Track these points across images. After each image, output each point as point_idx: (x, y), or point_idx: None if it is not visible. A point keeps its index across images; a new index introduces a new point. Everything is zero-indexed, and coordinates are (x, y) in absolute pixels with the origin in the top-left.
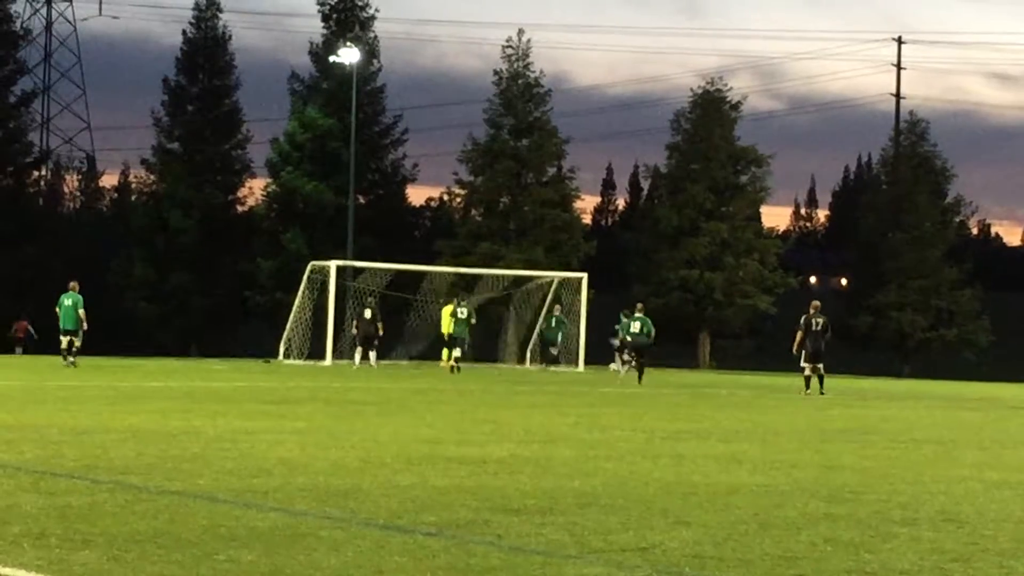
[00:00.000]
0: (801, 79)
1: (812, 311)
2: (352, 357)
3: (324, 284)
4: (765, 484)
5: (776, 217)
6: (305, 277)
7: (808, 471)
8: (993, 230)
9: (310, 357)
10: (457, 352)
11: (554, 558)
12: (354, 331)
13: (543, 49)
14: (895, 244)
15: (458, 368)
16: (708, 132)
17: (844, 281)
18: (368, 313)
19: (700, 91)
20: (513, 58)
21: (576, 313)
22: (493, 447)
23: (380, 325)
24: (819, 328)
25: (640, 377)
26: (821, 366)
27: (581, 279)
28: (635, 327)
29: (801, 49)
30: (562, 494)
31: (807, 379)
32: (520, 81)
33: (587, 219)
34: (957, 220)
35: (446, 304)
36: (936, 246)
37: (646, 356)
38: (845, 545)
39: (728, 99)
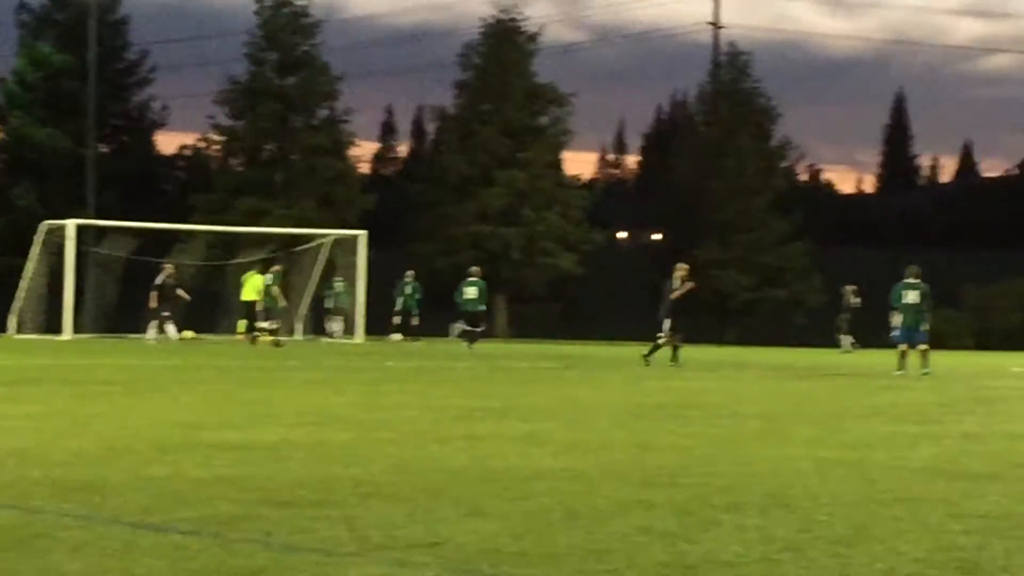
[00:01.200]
0: (607, 6)
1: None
2: (149, 331)
3: (61, 247)
4: (571, 468)
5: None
6: (38, 239)
7: (619, 453)
8: (824, 177)
9: (47, 331)
10: (275, 324)
11: (331, 556)
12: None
13: None
14: (715, 194)
15: (279, 343)
16: (501, 68)
17: (658, 236)
18: (164, 276)
19: (492, 20)
20: None
21: (354, 276)
22: (259, 431)
23: (181, 291)
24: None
25: (472, 344)
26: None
27: (358, 237)
28: (471, 292)
29: None
30: (339, 483)
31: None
32: (285, 10)
33: (365, 168)
34: (784, 166)
35: (250, 271)
36: (761, 195)
37: (481, 324)
38: (661, 535)
39: (524, 29)
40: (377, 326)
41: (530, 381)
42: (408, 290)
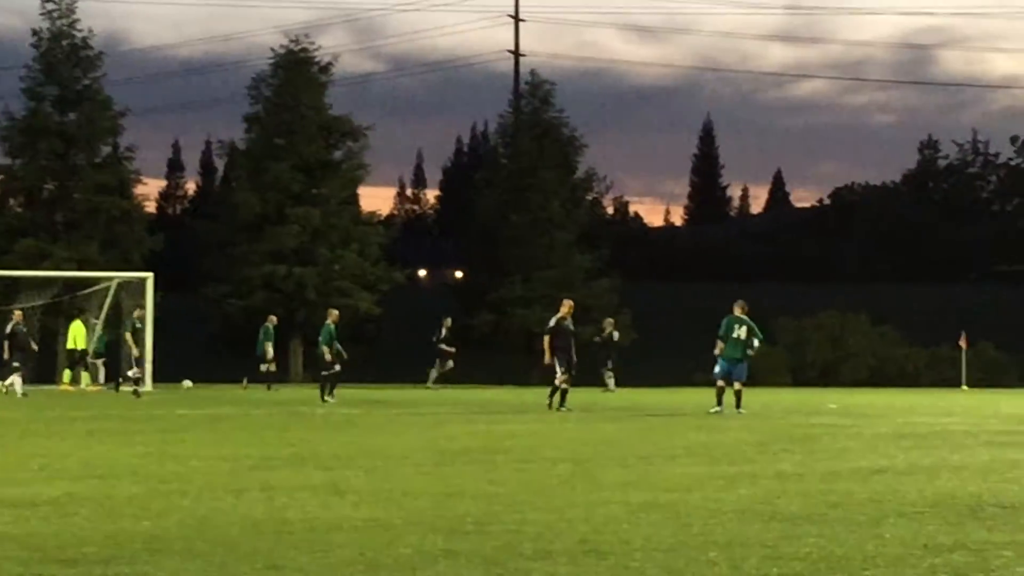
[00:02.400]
0: (404, 35)
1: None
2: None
3: None
4: (373, 518)
5: (378, 200)
6: None
7: (424, 501)
8: (632, 209)
9: None
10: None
11: None
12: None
13: (95, 4)
14: (518, 228)
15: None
16: (294, 100)
17: (459, 274)
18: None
19: (283, 51)
20: (56, 15)
21: (142, 320)
22: (43, 486)
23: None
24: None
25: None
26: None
27: (146, 279)
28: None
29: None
30: (128, 538)
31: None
32: (65, 42)
33: (151, 207)
34: (590, 198)
35: (77, 318)
36: (566, 229)
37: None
38: None
39: (317, 60)
40: (167, 372)
41: (329, 427)
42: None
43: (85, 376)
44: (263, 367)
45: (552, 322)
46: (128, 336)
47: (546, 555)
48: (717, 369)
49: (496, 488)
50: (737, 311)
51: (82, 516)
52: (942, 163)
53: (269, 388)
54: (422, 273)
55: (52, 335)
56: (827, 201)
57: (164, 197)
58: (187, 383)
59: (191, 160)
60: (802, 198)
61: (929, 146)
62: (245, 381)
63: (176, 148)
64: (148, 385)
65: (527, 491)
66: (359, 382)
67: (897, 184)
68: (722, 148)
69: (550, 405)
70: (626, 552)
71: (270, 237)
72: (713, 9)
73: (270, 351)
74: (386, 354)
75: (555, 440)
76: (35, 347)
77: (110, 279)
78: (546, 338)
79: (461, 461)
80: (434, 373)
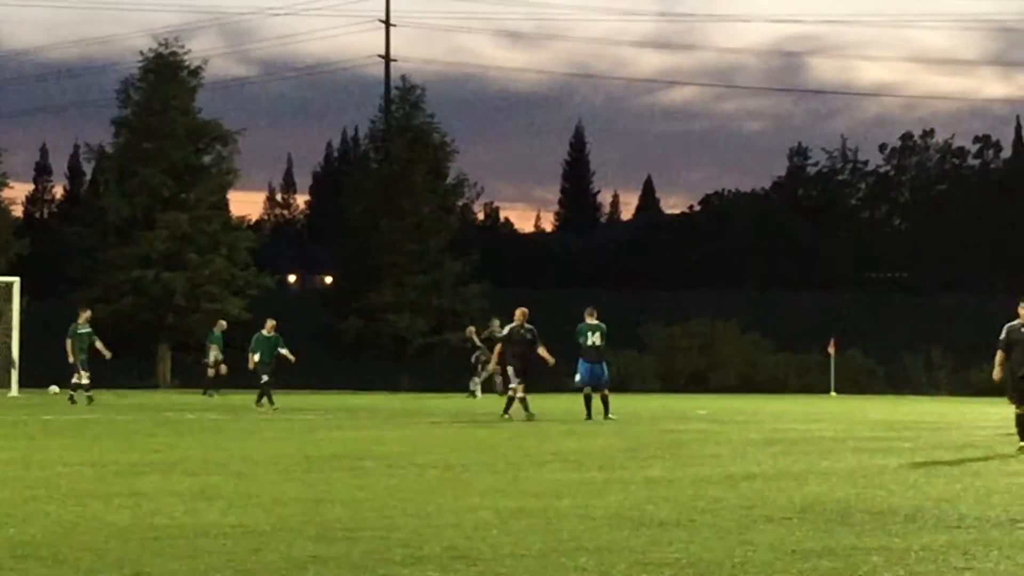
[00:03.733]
0: (275, 39)
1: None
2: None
3: None
4: (241, 524)
5: (247, 205)
6: None
7: (292, 507)
8: (503, 215)
9: None
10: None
11: None
12: None
13: None
14: (388, 234)
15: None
16: (163, 104)
17: (329, 279)
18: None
19: (152, 55)
20: None
21: (7, 325)
22: None
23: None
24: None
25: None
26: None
27: (12, 284)
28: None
29: (272, 4)
30: None
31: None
32: None
33: (18, 211)
34: (460, 204)
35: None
36: (437, 235)
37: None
38: None
39: (187, 64)
40: (35, 378)
41: (196, 432)
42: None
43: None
44: (210, 371)
45: (505, 330)
46: (68, 342)
47: (415, 561)
48: (578, 377)
49: (365, 494)
50: (588, 318)
51: None
52: (812, 170)
53: (205, 393)
54: (292, 278)
55: None
56: (697, 207)
57: (31, 201)
58: (53, 388)
59: (59, 164)
60: (673, 205)
61: (799, 153)
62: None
63: (44, 152)
64: (14, 390)
65: (396, 497)
66: (226, 387)
67: (767, 191)
68: (593, 154)
69: (505, 412)
70: (496, 558)
71: (139, 242)
72: (586, 16)
73: (215, 355)
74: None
75: (425, 446)
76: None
77: None
78: (498, 346)
79: (330, 467)
80: (477, 381)
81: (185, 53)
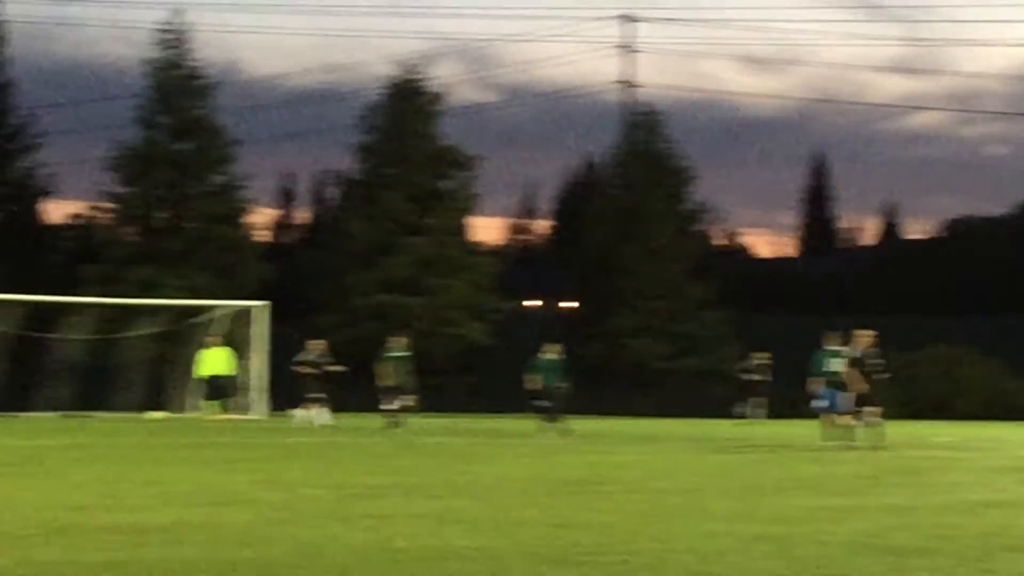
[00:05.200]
0: (517, 65)
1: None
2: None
3: None
4: (483, 547)
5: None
6: None
7: (534, 530)
8: (742, 240)
9: None
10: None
11: None
12: None
13: (209, 33)
14: (628, 259)
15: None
16: (405, 130)
17: (570, 304)
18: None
19: (395, 81)
20: (169, 44)
21: (256, 348)
22: (154, 513)
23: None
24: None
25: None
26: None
27: (258, 309)
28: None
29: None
30: (238, 566)
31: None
32: (178, 72)
33: (263, 236)
34: (700, 230)
35: (210, 345)
36: (677, 261)
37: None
38: None
39: (428, 90)
40: (278, 401)
41: (438, 456)
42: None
43: (210, 404)
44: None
45: (858, 353)
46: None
47: None
48: (822, 402)
49: (606, 518)
50: (829, 344)
51: (191, 544)
52: None
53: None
54: (532, 303)
55: (164, 363)
56: (940, 234)
57: (276, 226)
58: (297, 412)
59: (303, 189)
60: (915, 231)
61: None
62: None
63: (288, 178)
64: (262, 413)
65: (637, 521)
66: (468, 411)
67: (1012, 216)
68: (834, 180)
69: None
70: None
71: (380, 267)
72: (827, 41)
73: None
74: (495, 384)
75: (664, 471)
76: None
77: (222, 308)
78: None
79: (571, 491)
80: (748, 410)
81: (427, 79)
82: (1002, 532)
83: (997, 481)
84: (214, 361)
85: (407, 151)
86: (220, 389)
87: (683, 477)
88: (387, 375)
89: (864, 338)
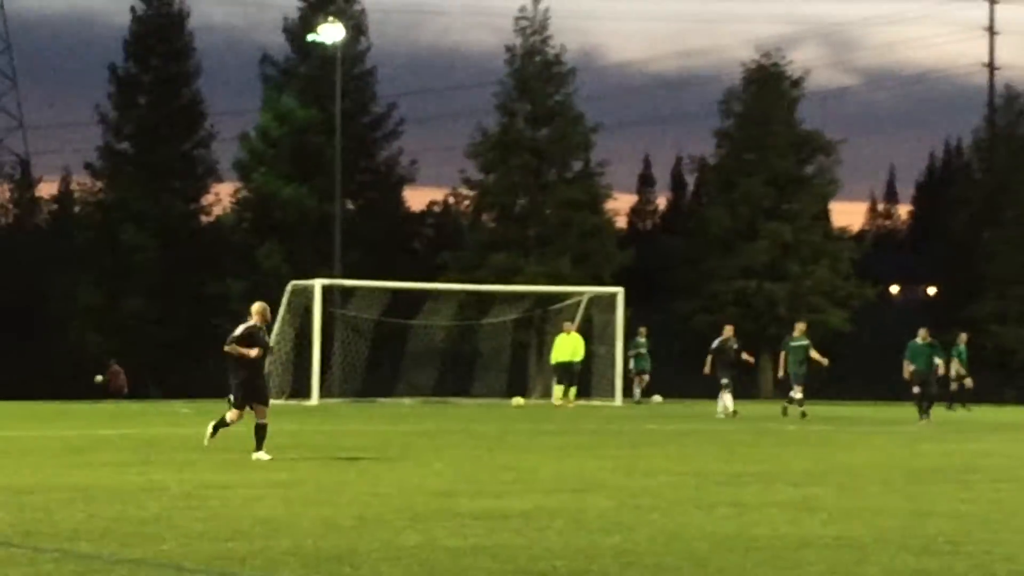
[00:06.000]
0: (877, 48)
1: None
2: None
3: (308, 308)
4: (843, 536)
5: (849, 215)
6: (285, 300)
7: (894, 519)
8: None
9: (292, 396)
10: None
11: None
12: None
13: (566, 20)
14: (992, 244)
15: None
16: (765, 115)
17: (932, 290)
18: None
19: (754, 66)
20: (528, 31)
21: (611, 335)
22: (515, 499)
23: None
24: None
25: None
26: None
27: (616, 294)
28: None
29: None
30: (599, 553)
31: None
32: (537, 59)
33: (621, 222)
34: None
35: (566, 331)
36: None
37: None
38: None
39: (788, 74)
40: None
41: (798, 444)
42: (643, 349)
43: (558, 389)
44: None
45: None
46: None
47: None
48: None
49: (969, 508)
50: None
51: (553, 530)
52: None
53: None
54: (894, 289)
55: (523, 349)
56: None
57: (634, 212)
58: (657, 398)
59: (662, 175)
60: None
61: None
62: None
63: (647, 163)
64: (618, 400)
65: (1000, 511)
66: (829, 398)
67: None
68: None
69: None
70: None
71: (740, 252)
72: None
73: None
74: (856, 371)
75: None
76: (751, 361)
77: (581, 294)
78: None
79: (932, 480)
80: None
81: (787, 63)
82: None
83: None
84: (567, 347)
85: (766, 136)
86: (571, 375)
87: None
88: (786, 363)
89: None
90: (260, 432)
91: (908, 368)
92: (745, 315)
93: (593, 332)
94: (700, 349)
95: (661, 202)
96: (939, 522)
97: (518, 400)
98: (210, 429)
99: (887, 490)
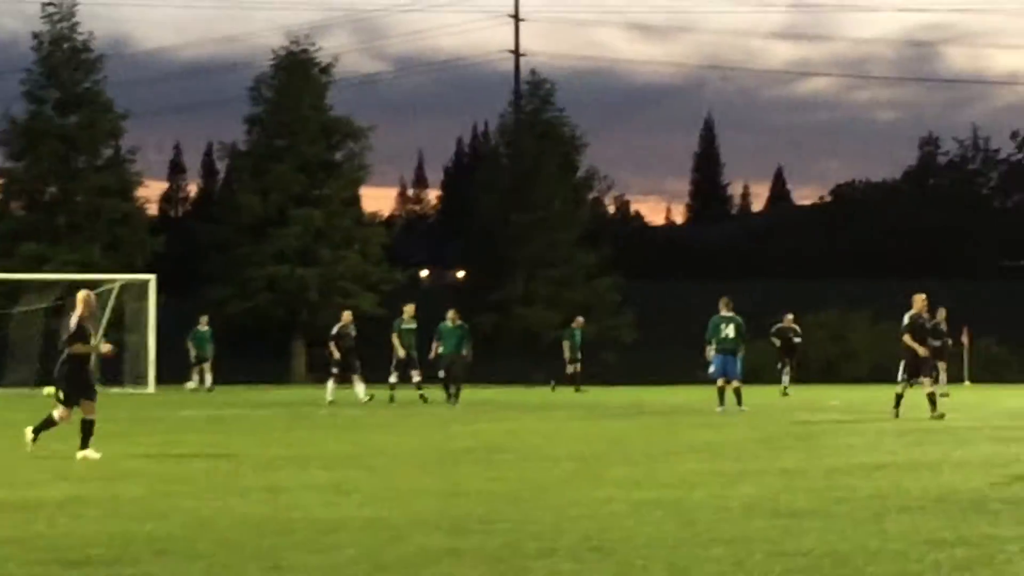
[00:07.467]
0: (405, 35)
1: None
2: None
3: None
4: (377, 517)
5: (379, 200)
6: None
7: (427, 500)
8: (634, 208)
9: None
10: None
11: None
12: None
13: (95, 7)
14: (519, 228)
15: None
16: (294, 102)
17: (461, 273)
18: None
19: (284, 52)
20: (56, 18)
21: (143, 323)
22: (47, 488)
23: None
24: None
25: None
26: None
27: (148, 281)
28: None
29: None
30: (133, 540)
31: None
32: (66, 45)
33: (153, 209)
34: (591, 197)
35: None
36: (568, 229)
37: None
38: None
39: (318, 61)
40: (169, 374)
41: (331, 427)
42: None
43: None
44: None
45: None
46: (394, 337)
47: (550, 553)
48: (712, 369)
49: (499, 486)
50: (723, 310)
51: (87, 518)
52: (943, 160)
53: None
54: (424, 273)
55: (55, 337)
56: (828, 198)
57: (166, 199)
58: (190, 384)
59: (193, 162)
60: (804, 196)
61: (930, 143)
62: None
63: (178, 150)
64: (151, 387)
65: (530, 489)
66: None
67: (898, 181)
68: (723, 146)
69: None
70: (630, 549)
71: (272, 238)
72: (717, 7)
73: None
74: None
75: (559, 438)
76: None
77: (112, 282)
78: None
79: (464, 460)
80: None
81: (316, 50)
82: (894, 493)
83: (887, 443)
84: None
85: (297, 123)
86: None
87: (577, 444)
88: (399, 347)
89: (919, 302)
90: (87, 428)
91: (436, 349)
92: (277, 301)
93: (125, 320)
94: (234, 335)
95: (192, 189)
96: (471, 502)
97: (49, 390)
98: (30, 433)
99: (420, 471)
